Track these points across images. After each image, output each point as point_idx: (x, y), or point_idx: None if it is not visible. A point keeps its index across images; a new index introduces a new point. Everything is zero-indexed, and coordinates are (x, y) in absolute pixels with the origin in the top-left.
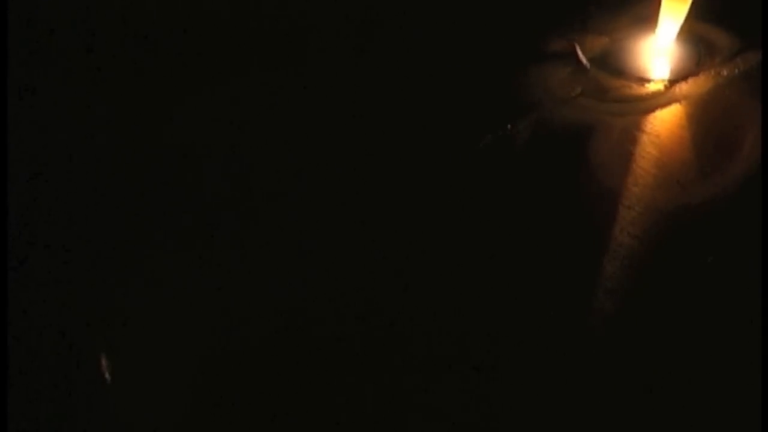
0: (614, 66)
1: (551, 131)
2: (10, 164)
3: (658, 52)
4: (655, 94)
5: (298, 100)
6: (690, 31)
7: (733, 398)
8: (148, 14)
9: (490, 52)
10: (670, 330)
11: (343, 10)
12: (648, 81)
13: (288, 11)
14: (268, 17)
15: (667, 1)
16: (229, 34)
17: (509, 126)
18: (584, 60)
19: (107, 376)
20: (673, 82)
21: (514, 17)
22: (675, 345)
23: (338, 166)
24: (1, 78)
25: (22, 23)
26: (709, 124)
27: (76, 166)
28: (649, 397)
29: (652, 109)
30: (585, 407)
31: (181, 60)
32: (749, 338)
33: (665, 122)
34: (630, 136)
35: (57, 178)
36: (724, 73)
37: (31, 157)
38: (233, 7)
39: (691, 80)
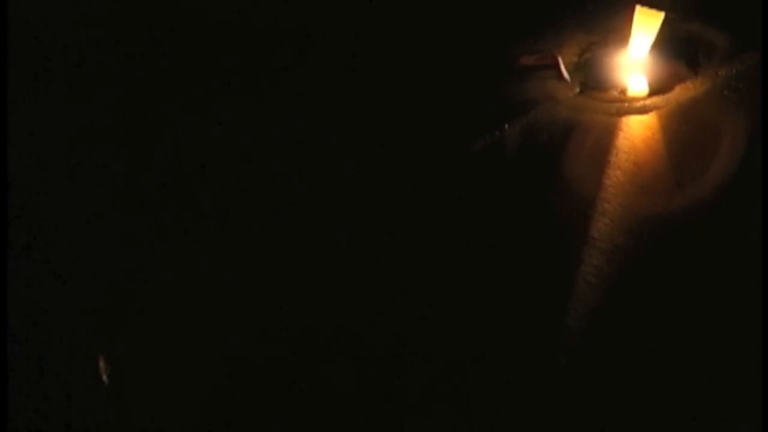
0: (592, 77)
1: (541, 136)
2: (12, 165)
3: (633, 65)
4: (635, 104)
5: (294, 107)
6: (687, 33)
7: (718, 396)
8: (155, 25)
9: (481, 61)
10: (655, 328)
11: (339, 14)
12: (626, 92)
13: (285, 22)
14: (264, 27)
15: (640, 16)
16: (230, 43)
17: (505, 127)
18: (566, 73)
19: (105, 378)
20: (652, 91)
21: (506, 25)
22: (654, 344)
23: (334, 171)
24: (2, 80)
25: (29, 28)
26: (690, 133)
27: (79, 168)
28: (639, 393)
29: (632, 118)
30: (577, 402)
31: (186, 66)
32: (734, 337)
33: (644, 131)
34: (615, 143)
35: (60, 179)
36: (721, 73)
37: (33, 158)
38: (233, 17)
39: (668, 91)
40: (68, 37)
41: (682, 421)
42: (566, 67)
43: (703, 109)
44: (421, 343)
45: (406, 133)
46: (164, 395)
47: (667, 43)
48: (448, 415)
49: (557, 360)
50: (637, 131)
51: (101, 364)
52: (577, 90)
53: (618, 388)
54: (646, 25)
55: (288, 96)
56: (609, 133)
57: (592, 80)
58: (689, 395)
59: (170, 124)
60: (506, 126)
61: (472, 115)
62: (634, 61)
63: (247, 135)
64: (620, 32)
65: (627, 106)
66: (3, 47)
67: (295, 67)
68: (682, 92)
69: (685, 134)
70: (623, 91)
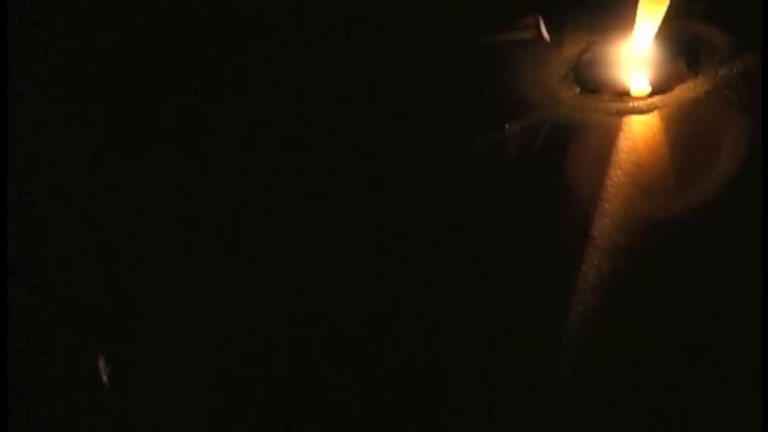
0: (593, 77)
1: (540, 136)
2: (11, 163)
3: (637, 59)
4: (636, 104)
5: (290, 106)
6: (687, 32)
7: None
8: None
9: (480, 60)
10: (656, 329)
11: (332, 11)
12: (626, 92)
13: (277, 14)
14: (257, 18)
15: (645, 3)
16: (227, 39)
17: (505, 127)
18: (546, 34)
19: (105, 379)
20: (653, 90)
21: (505, 23)
22: (656, 345)
23: (330, 173)
24: (1, 78)
25: (22, 23)
26: (691, 134)
27: (79, 166)
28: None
29: (633, 118)
30: (578, 403)
31: (184, 59)
32: (736, 338)
33: (645, 131)
34: (616, 143)
35: (60, 177)
36: (722, 73)
37: (32, 157)
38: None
39: (669, 91)
40: (63, 36)
41: (684, 422)
42: (566, 65)
43: (704, 109)
44: (421, 345)
45: (405, 133)
46: (165, 397)
47: (667, 42)
48: (448, 415)
49: (557, 360)
50: (638, 131)
51: (101, 364)
52: (577, 90)
53: (619, 388)
54: (651, 13)
55: (283, 94)
56: (609, 133)
57: (593, 79)
58: (690, 396)
59: (168, 123)
60: (506, 126)
61: (472, 116)
62: (635, 60)
63: (245, 134)
64: (621, 31)
65: (627, 106)
66: (3, 47)
67: (290, 64)
68: (682, 92)
69: (686, 134)
70: (624, 91)
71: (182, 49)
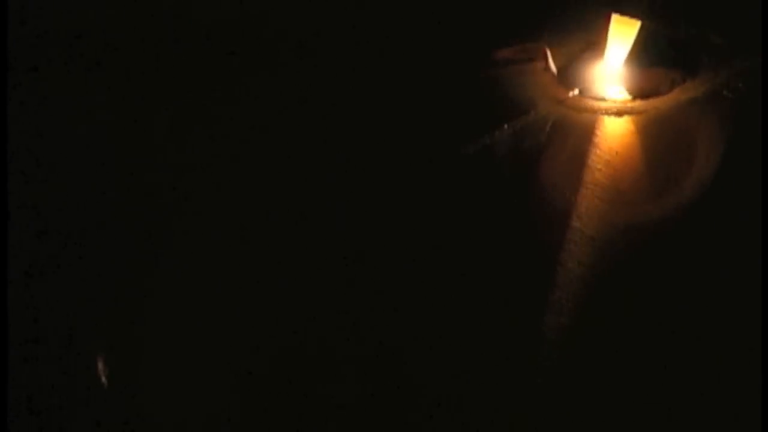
0: (592, 75)
1: (535, 138)
2: (14, 163)
3: (611, 73)
4: (636, 103)
5: (282, 109)
6: (686, 34)
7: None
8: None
9: (474, 66)
10: (647, 327)
11: (325, 21)
12: (624, 94)
13: (272, 26)
14: (263, 28)
15: (616, 24)
16: (230, 44)
17: (502, 129)
18: (553, 66)
19: (104, 379)
20: (651, 91)
21: (502, 26)
22: (646, 343)
23: (327, 176)
24: (2, 78)
25: (25, 27)
26: (689, 134)
27: (83, 167)
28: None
29: (631, 118)
30: (569, 401)
31: (186, 66)
32: (728, 335)
33: (643, 131)
34: (613, 143)
35: (62, 178)
36: (722, 73)
37: (35, 157)
38: (233, 17)
39: (668, 92)
40: (66, 38)
41: (676, 420)
42: (558, 72)
43: (702, 110)
44: (417, 345)
45: (404, 135)
46: (164, 398)
47: (666, 44)
48: (443, 414)
49: (548, 358)
50: (636, 131)
51: (100, 365)
52: (575, 91)
53: (605, 386)
54: (623, 33)
55: (284, 99)
56: (607, 133)
57: (590, 80)
58: (682, 395)
59: (171, 126)
60: (501, 129)
61: (469, 116)
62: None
63: (246, 136)
64: (600, 40)
65: (626, 107)
66: (3, 48)
67: (291, 68)
68: (681, 93)
69: (684, 134)
70: (622, 92)
71: (186, 53)
